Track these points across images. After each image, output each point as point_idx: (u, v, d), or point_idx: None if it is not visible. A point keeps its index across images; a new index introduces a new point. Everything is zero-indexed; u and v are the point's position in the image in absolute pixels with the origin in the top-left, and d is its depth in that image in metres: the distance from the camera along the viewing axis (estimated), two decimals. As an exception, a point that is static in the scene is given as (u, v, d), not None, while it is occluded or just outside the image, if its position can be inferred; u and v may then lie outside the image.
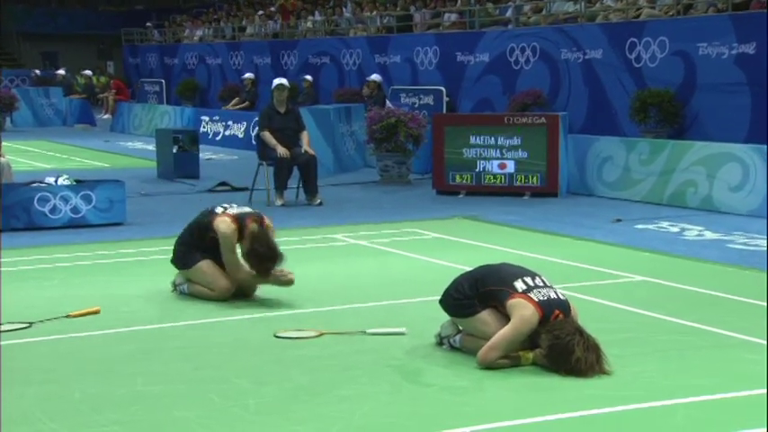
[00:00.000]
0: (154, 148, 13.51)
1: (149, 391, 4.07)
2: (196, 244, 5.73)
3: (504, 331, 4.29)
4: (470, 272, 4.64)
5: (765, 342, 4.64)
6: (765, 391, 3.93)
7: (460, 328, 4.58)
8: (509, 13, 15.42)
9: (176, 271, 5.88)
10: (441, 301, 4.65)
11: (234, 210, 5.67)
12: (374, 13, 18.89)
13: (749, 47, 11.10)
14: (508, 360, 4.28)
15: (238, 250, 5.61)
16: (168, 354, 4.65)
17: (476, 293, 4.45)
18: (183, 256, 5.78)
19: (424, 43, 16.11)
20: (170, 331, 5.08)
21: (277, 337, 4.88)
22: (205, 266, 5.68)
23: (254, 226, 5.54)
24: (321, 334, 4.90)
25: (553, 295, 4.35)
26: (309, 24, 20.81)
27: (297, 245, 7.56)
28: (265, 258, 5.44)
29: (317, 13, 21.11)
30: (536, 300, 4.30)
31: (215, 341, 4.86)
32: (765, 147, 9.09)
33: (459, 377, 4.24)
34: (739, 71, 11.10)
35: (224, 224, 5.56)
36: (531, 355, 4.28)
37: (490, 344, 4.27)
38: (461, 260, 6.69)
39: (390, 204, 10.19)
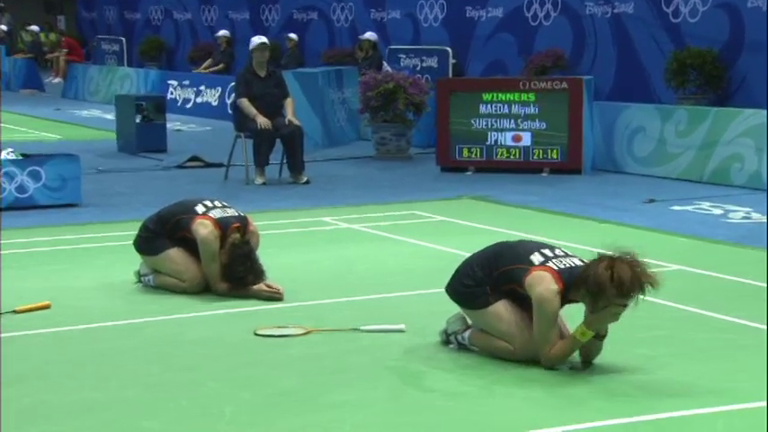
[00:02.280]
0: (113, 118, 13.49)
1: (109, 398, 4.09)
2: (166, 235, 5.76)
3: (534, 324, 4.32)
4: (483, 251, 4.65)
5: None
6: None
7: (470, 322, 4.61)
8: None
9: (140, 260, 5.90)
10: (447, 288, 4.67)
11: (217, 212, 5.69)
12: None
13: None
14: (565, 346, 4.28)
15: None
16: (130, 354, 4.67)
17: (489, 278, 4.46)
18: (149, 241, 5.80)
19: (428, -5, 16.06)
20: (133, 328, 5.10)
21: (257, 335, 4.91)
22: (174, 254, 5.70)
23: (236, 236, 5.60)
24: (308, 332, 4.92)
25: (577, 262, 4.37)
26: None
27: (280, 229, 7.58)
28: (242, 278, 5.52)
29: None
30: (555, 268, 4.32)
31: (185, 339, 4.89)
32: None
33: (466, 382, 4.27)
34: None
35: (204, 228, 5.58)
36: (581, 328, 4.26)
37: (536, 344, 4.31)
38: (469, 247, 6.67)
39: (388, 183, 10.20)
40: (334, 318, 5.20)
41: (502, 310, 4.43)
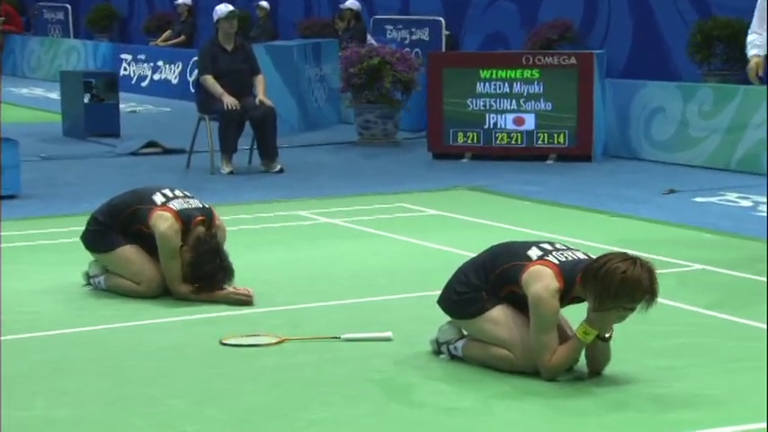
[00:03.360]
0: (57, 97, 13.47)
1: (55, 416, 4.11)
2: (118, 229, 5.77)
3: (531, 328, 4.36)
4: (476, 257, 4.71)
5: None
6: None
7: (464, 332, 4.65)
8: None
9: (90, 258, 5.91)
10: (440, 301, 4.71)
11: (178, 202, 5.70)
12: None
13: None
14: (568, 349, 4.33)
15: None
16: (80, 367, 4.69)
17: (485, 282, 4.51)
18: (100, 236, 5.80)
19: (418, -42, 16.07)
20: (82, 338, 5.12)
21: (224, 344, 4.93)
22: (129, 252, 5.72)
23: (201, 230, 5.62)
24: (281, 340, 4.96)
25: (581, 256, 4.42)
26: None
27: (249, 225, 7.60)
28: (211, 277, 5.53)
29: None
30: (555, 262, 4.37)
31: (142, 350, 4.91)
32: None
33: (461, 395, 4.31)
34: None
35: (164, 221, 5.59)
36: (583, 327, 4.30)
37: (534, 352, 4.36)
38: (465, 244, 6.74)
39: (373, 171, 10.23)
40: (311, 324, 5.23)
41: (500, 314, 4.48)
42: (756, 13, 6.52)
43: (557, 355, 4.36)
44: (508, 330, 4.45)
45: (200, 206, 5.77)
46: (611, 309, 4.24)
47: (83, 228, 5.94)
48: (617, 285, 4.17)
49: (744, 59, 11.83)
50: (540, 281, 4.33)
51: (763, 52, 6.03)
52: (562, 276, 4.33)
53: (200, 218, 5.67)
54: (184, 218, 5.63)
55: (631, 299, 4.20)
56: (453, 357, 4.66)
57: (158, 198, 5.72)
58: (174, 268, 5.59)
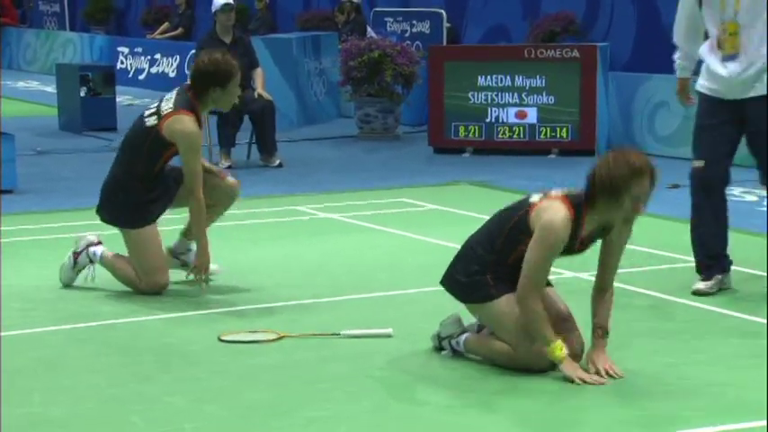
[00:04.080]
0: (54, 91, 13.46)
1: (52, 413, 4.11)
2: (146, 182, 5.62)
3: (529, 251, 4.30)
4: (480, 229, 4.65)
5: None
6: None
7: (472, 319, 4.62)
8: None
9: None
10: (443, 281, 4.67)
11: (168, 102, 5.61)
12: None
13: None
14: (538, 322, 4.30)
15: None
16: (77, 364, 4.69)
17: (491, 252, 4.45)
18: (129, 208, 5.65)
19: (419, -51, 16.05)
20: (79, 334, 5.12)
21: (222, 341, 4.94)
22: (153, 236, 5.67)
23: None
24: (280, 337, 4.96)
25: (580, 191, 4.44)
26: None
27: (249, 219, 7.60)
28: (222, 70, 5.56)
29: None
30: (560, 194, 4.39)
31: (140, 347, 4.92)
32: None
33: (462, 394, 4.32)
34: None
35: (178, 122, 5.50)
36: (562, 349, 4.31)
37: (524, 272, 4.32)
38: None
39: (373, 166, 10.23)
40: (310, 321, 5.23)
41: (507, 303, 4.44)
42: (684, 24, 5.74)
43: (538, 308, 4.31)
44: (514, 321, 4.42)
45: (182, 92, 5.68)
46: (623, 200, 4.27)
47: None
48: (626, 172, 4.24)
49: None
50: (550, 211, 4.31)
51: (689, 73, 5.84)
52: (571, 204, 4.32)
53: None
54: (188, 108, 5.57)
55: (642, 175, 4.27)
56: (455, 353, 4.66)
57: (164, 106, 5.61)
58: (198, 167, 5.53)
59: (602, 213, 4.34)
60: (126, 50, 18.20)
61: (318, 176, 9.59)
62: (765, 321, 5.17)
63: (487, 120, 10.71)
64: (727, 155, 5.65)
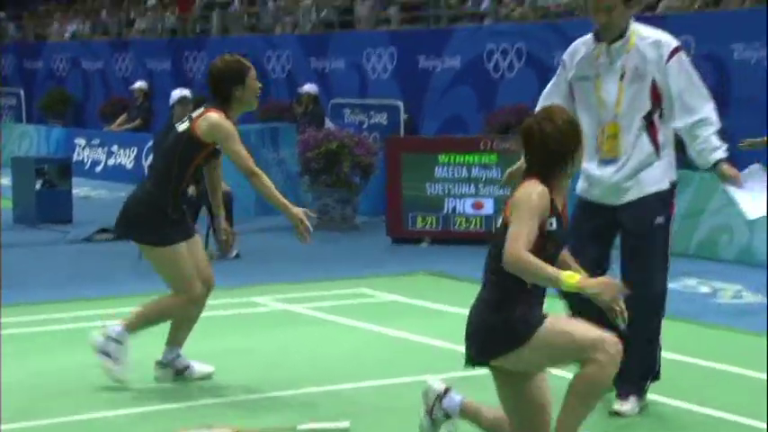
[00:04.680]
0: (8, 183, 13.39)
1: None
2: (175, 195, 5.60)
3: (512, 224, 4.12)
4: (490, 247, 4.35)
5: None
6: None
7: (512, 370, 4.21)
8: (485, 5, 15.76)
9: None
10: (479, 357, 4.20)
11: (205, 108, 5.63)
12: (308, 2, 19.13)
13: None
14: (544, 265, 4.04)
15: None
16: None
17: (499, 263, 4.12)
18: (160, 224, 5.60)
19: (376, 43, 16.35)
20: None
21: (177, 436, 4.87)
22: (187, 252, 5.63)
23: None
24: (237, 432, 4.90)
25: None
26: (216, 17, 20.93)
27: (205, 312, 7.53)
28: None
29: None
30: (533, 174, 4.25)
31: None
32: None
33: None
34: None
35: (214, 117, 5.51)
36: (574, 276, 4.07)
37: (509, 238, 4.08)
38: (426, 330, 6.76)
39: (331, 256, 10.23)
40: (268, 416, 5.18)
41: (552, 320, 4.11)
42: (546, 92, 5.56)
43: (529, 259, 4.03)
44: (569, 335, 4.08)
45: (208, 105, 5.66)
46: (561, 166, 4.17)
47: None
48: (562, 131, 4.16)
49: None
50: (528, 186, 4.17)
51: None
52: (540, 181, 4.17)
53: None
54: (218, 108, 5.55)
55: (577, 139, 4.19)
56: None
57: (182, 124, 5.64)
58: (242, 149, 5.52)
59: (561, 188, 4.24)
60: (83, 142, 18.19)
61: (276, 267, 9.57)
62: (715, 411, 5.19)
63: (444, 210, 10.79)
64: (597, 261, 5.13)
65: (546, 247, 4.13)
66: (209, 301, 7.86)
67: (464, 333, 4.25)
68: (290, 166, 13.20)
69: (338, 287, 8.57)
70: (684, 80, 5.03)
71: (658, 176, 5.16)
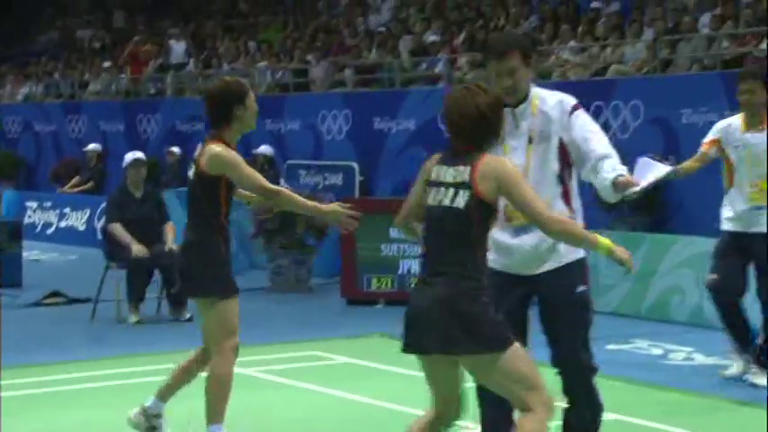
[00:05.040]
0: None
1: None
2: (221, 232, 5.54)
3: (520, 196, 4.22)
4: (435, 247, 4.37)
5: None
6: None
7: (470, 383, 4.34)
8: (439, 68, 15.97)
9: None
10: (418, 342, 4.23)
11: (203, 144, 5.62)
12: (263, 64, 19.27)
13: (744, 115, 11.72)
14: (583, 230, 4.32)
15: None
16: None
17: (472, 251, 4.21)
18: (220, 271, 5.54)
19: (331, 105, 16.48)
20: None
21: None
22: (236, 302, 5.57)
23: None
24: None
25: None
26: (170, 79, 21.00)
27: (157, 376, 7.47)
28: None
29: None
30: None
31: None
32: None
33: None
34: (732, 144, 11.67)
35: (213, 148, 5.47)
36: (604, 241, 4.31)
37: (529, 207, 4.20)
38: (381, 393, 6.75)
39: (285, 319, 10.21)
40: (220, 481, 5.13)
41: (523, 351, 4.21)
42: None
43: (563, 219, 4.33)
44: (529, 366, 4.23)
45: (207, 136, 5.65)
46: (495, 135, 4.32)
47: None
48: (497, 101, 4.30)
49: (649, 207, 12.29)
50: (498, 159, 4.27)
51: None
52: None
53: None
54: (215, 139, 5.53)
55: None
56: None
57: (190, 170, 5.61)
58: (253, 174, 5.46)
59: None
60: (34, 205, 18.05)
61: (230, 331, 9.52)
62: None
63: (400, 271, 10.83)
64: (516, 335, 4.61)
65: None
66: (164, 365, 7.81)
67: (417, 318, 4.22)
68: (244, 228, 13.19)
69: (292, 350, 8.54)
70: (587, 130, 4.80)
71: None
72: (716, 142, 7.34)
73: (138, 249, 9.79)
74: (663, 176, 5.01)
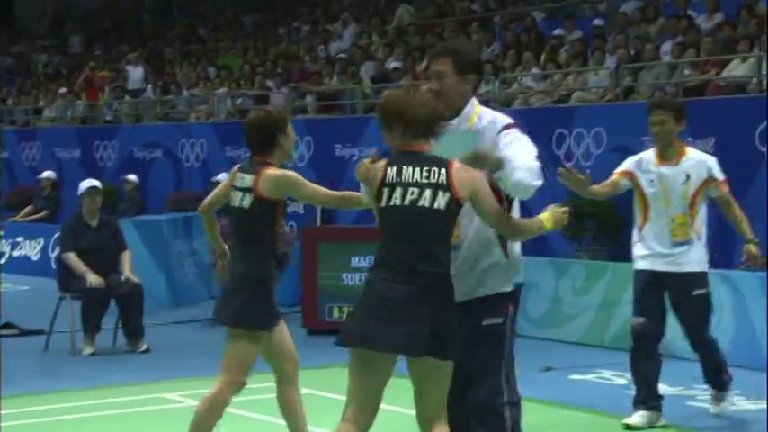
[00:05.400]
0: None
1: None
2: (270, 258, 5.65)
3: (483, 201, 4.38)
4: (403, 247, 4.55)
5: None
6: None
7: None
8: (402, 95, 16.03)
9: None
10: (379, 338, 4.35)
11: (253, 170, 5.61)
12: (223, 90, 19.27)
13: (707, 143, 11.84)
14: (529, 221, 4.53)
15: None
16: None
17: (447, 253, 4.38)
18: (264, 303, 5.62)
19: (292, 132, 16.47)
20: None
21: None
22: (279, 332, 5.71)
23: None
24: None
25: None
26: (127, 105, 20.95)
27: (111, 409, 7.42)
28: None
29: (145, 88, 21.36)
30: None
31: None
32: (731, 272, 9.54)
33: None
34: (695, 173, 11.78)
35: (272, 173, 5.52)
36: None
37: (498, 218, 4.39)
38: (340, 426, 6.69)
39: (244, 351, 10.15)
40: None
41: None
42: None
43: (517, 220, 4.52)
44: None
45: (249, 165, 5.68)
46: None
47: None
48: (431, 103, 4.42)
49: (611, 235, 12.38)
50: (468, 169, 4.36)
51: None
52: None
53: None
54: (265, 166, 5.56)
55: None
56: None
57: (241, 201, 5.62)
58: (317, 188, 5.58)
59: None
60: (-14, 233, 17.88)
61: (187, 361, 9.46)
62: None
63: (361, 302, 10.81)
64: None
65: None
66: (120, 398, 7.76)
67: (389, 313, 4.31)
68: (203, 257, 13.14)
69: (253, 381, 8.43)
70: (511, 147, 4.49)
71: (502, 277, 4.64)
72: (629, 174, 6.99)
73: (93, 279, 9.73)
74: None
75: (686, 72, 13.15)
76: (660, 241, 6.91)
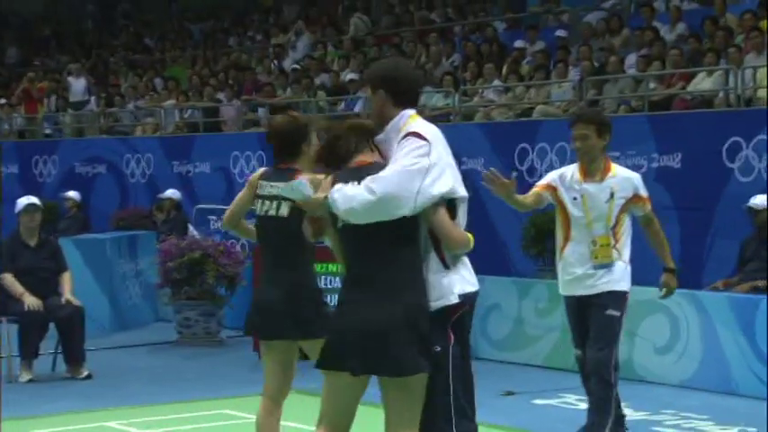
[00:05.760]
0: None
1: None
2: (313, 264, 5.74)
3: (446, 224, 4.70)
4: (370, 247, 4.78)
5: None
6: None
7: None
8: (358, 108, 16.06)
9: None
10: (363, 362, 4.63)
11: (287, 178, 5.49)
12: (170, 102, 19.19)
13: (673, 159, 11.94)
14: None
15: None
16: None
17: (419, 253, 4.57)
18: (320, 309, 5.75)
19: (244, 146, 16.45)
20: None
21: None
22: None
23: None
24: None
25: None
26: (69, 118, 20.79)
27: (51, 440, 7.33)
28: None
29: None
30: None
31: None
32: (699, 293, 9.59)
33: None
34: (662, 190, 11.82)
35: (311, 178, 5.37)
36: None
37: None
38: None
39: (194, 375, 10.09)
40: None
41: None
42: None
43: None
44: None
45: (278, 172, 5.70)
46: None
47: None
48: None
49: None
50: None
51: None
52: None
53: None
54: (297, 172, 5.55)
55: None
56: None
57: (276, 210, 5.62)
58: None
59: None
60: None
61: (131, 388, 9.38)
62: None
63: (315, 324, 10.76)
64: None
65: None
66: (59, 428, 7.66)
67: (367, 336, 4.51)
68: (149, 278, 13.05)
69: (200, 409, 8.44)
70: (393, 160, 4.61)
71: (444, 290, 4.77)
72: (552, 188, 6.82)
73: (31, 302, 9.63)
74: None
75: (651, 85, 13.28)
76: (582, 264, 6.71)
